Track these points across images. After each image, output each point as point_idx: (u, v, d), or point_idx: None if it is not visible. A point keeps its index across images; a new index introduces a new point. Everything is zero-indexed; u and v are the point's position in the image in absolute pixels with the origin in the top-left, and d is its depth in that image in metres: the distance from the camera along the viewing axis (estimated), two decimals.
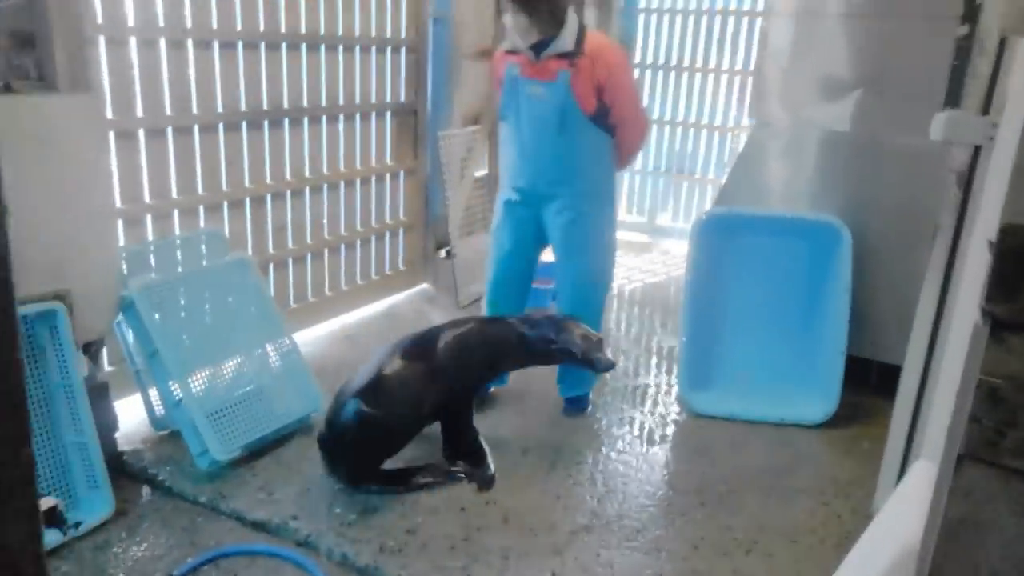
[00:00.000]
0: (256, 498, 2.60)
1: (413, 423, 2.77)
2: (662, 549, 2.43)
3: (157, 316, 2.75)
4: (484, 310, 3.46)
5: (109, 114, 2.96)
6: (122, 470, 2.76)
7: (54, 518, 2.26)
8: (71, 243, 2.54)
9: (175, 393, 2.74)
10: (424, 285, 4.84)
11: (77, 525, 2.40)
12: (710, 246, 3.47)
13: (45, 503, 2.21)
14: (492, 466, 2.82)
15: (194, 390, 2.75)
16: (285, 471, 2.77)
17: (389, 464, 2.74)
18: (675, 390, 3.55)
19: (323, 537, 2.41)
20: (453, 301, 4.51)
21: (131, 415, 3.01)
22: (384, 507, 2.57)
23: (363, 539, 2.40)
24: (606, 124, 2.98)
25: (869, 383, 3.56)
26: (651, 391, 3.59)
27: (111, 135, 2.98)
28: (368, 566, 2.28)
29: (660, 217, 6.70)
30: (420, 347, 2.81)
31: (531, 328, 2.85)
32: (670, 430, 3.23)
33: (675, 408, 3.42)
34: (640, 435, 3.16)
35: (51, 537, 2.34)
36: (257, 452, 2.85)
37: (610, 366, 2.87)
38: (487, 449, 2.89)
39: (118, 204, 3.05)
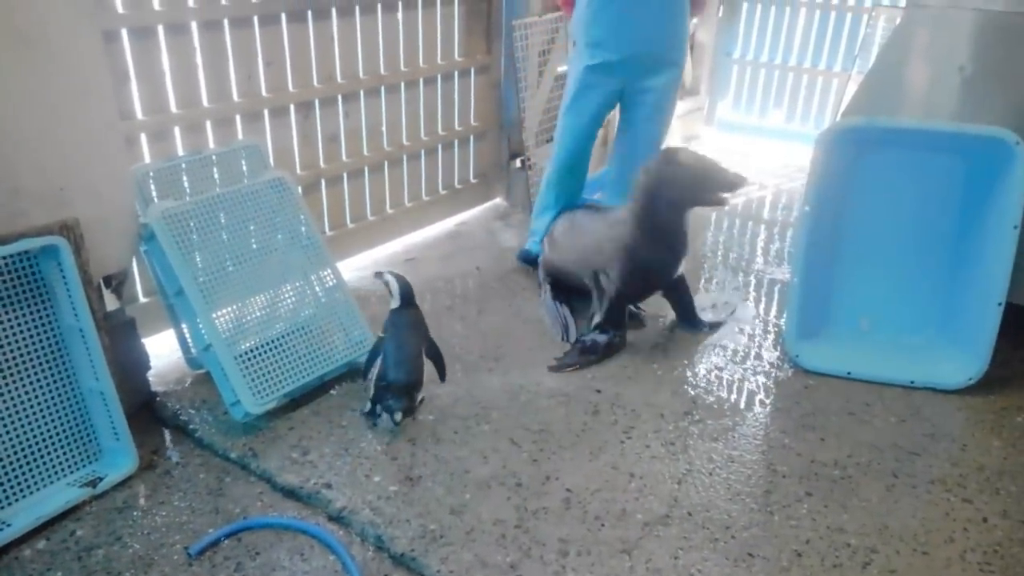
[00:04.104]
0: (289, 457, 2.32)
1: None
2: (756, 554, 2.00)
3: (181, 248, 2.43)
4: (548, 188, 3.45)
5: (120, 8, 2.55)
6: (154, 414, 2.55)
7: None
8: (73, 164, 2.23)
9: (204, 336, 2.45)
10: (497, 200, 4.36)
11: (95, 482, 2.19)
12: (839, 163, 2.80)
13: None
14: (581, 361, 2.80)
15: (224, 335, 2.45)
16: (324, 425, 2.47)
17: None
18: (780, 339, 3.00)
19: (358, 512, 2.10)
20: (528, 218, 4.03)
21: (169, 349, 2.77)
22: (428, 477, 2.24)
23: (402, 518, 2.08)
24: None
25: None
26: (749, 338, 3.06)
27: (124, 33, 2.58)
28: (404, 555, 1.97)
29: (771, 117, 5.86)
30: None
31: None
32: (771, 391, 2.72)
33: (779, 362, 2.88)
34: (734, 396, 2.67)
35: (70, 494, 2.15)
36: (297, 400, 2.56)
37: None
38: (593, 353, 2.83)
39: (139, 115, 2.69)
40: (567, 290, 3.19)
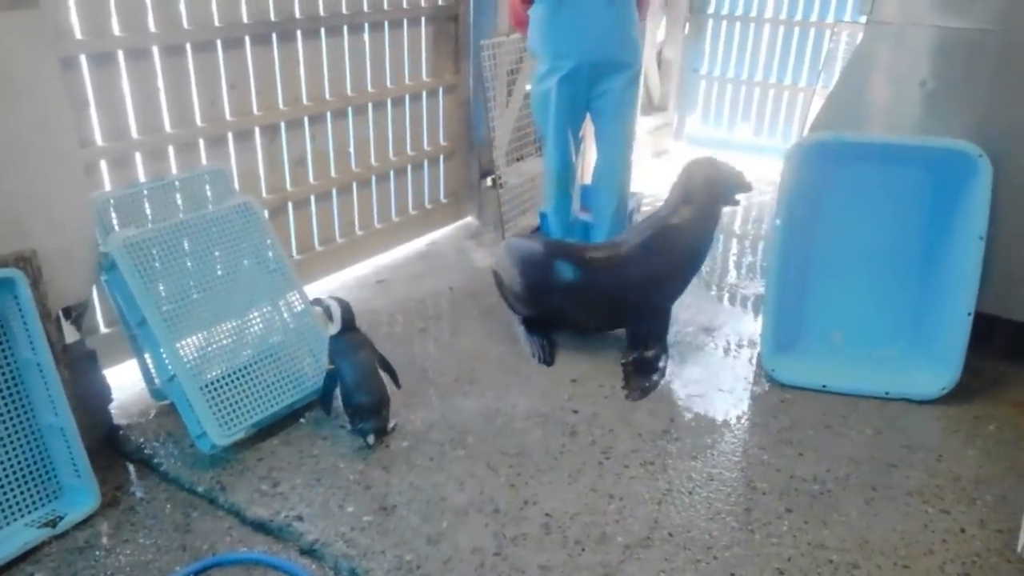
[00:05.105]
0: (259, 489, 2.25)
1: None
2: (738, 574, 1.97)
3: (143, 277, 2.36)
4: (547, 200, 3.50)
5: (78, 34, 2.50)
6: (117, 448, 2.46)
7: None
8: (30, 194, 2.16)
9: (168, 367, 2.38)
10: (468, 219, 4.34)
11: (55, 522, 2.10)
12: (809, 178, 2.82)
13: None
14: (656, 378, 2.80)
15: (189, 365, 2.38)
16: (294, 455, 2.40)
17: None
18: (756, 353, 3.00)
19: (331, 544, 2.04)
20: (500, 236, 4.01)
21: (132, 380, 2.69)
22: (403, 505, 2.19)
23: (377, 549, 2.02)
24: None
25: (994, 346, 2.94)
26: (724, 354, 3.05)
27: (83, 59, 2.52)
28: None
29: (739, 131, 5.93)
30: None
31: None
32: (748, 406, 2.71)
33: (755, 377, 2.88)
34: (711, 413, 2.65)
35: (28, 536, 2.06)
36: (266, 429, 2.49)
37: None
38: (662, 366, 2.86)
39: (100, 142, 2.63)
40: (544, 324, 3.12)
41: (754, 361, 2.97)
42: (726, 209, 3.19)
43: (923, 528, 2.14)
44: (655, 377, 2.82)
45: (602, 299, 2.95)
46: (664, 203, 2.99)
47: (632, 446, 2.46)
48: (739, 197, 3.00)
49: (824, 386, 2.76)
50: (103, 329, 2.76)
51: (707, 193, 2.89)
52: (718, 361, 2.99)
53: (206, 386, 2.39)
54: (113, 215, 2.48)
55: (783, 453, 2.44)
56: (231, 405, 2.41)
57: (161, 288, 2.41)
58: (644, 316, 2.95)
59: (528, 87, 4.11)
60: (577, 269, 2.92)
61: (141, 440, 2.47)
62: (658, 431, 2.54)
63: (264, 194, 3.22)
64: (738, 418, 2.63)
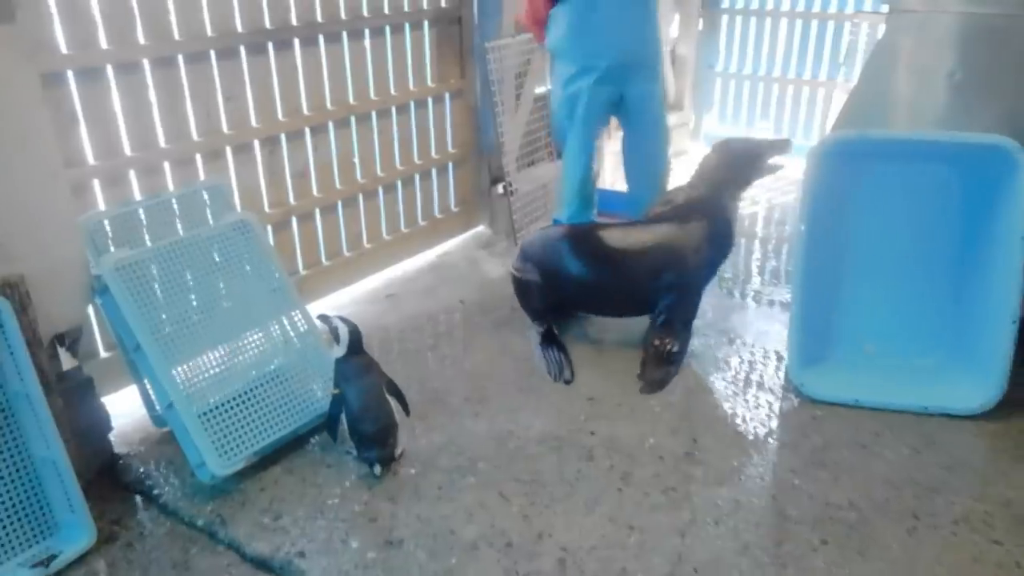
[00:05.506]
0: (260, 523, 2.14)
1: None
2: None
3: (137, 300, 2.25)
4: (565, 206, 3.36)
5: (63, 48, 2.40)
6: (116, 479, 2.37)
7: None
8: (14, 217, 2.07)
9: (166, 394, 2.27)
10: (480, 227, 4.21)
11: (49, 561, 2.01)
12: (833, 179, 2.66)
13: None
14: (673, 371, 2.74)
15: (187, 391, 2.27)
16: (298, 485, 2.29)
17: None
18: (783, 365, 2.84)
19: None
20: (513, 244, 3.88)
21: (134, 406, 2.59)
22: (409, 540, 2.06)
23: None
24: None
25: None
26: (750, 367, 2.89)
27: (70, 75, 2.42)
28: None
29: (758, 129, 5.74)
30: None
31: None
32: (776, 424, 2.55)
33: (783, 392, 2.72)
34: (737, 432, 2.50)
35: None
36: (269, 456, 2.38)
37: None
38: (678, 359, 2.79)
39: (91, 161, 2.54)
40: (557, 336, 3.01)
41: (781, 374, 2.81)
42: (767, 179, 3.06)
43: (972, 561, 1.97)
44: (672, 370, 2.75)
45: (623, 274, 2.87)
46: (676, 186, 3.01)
47: (653, 471, 2.31)
48: (777, 161, 2.87)
49: (857, 401, 2.60)
50: (103, 353, 2.67)
51: (717, 170, 2.86)
52: (743, 374, 2.83)
53: (205, 413, 2.29)
54: (108, 235, 2.39)
55: (816, 477, 2.28)
56: (231, 433, 2.30)
57: (157, 311, 2.31)
58: (670, 296, 2.83)
59: (539, 90, 3.98)
60: (594, 248, 2.89)
61: (141, 470, 2.37)
62: (680, 453, 2.39)
63: (266, 208, 3.12)
64: (766, 438, 2.47)
